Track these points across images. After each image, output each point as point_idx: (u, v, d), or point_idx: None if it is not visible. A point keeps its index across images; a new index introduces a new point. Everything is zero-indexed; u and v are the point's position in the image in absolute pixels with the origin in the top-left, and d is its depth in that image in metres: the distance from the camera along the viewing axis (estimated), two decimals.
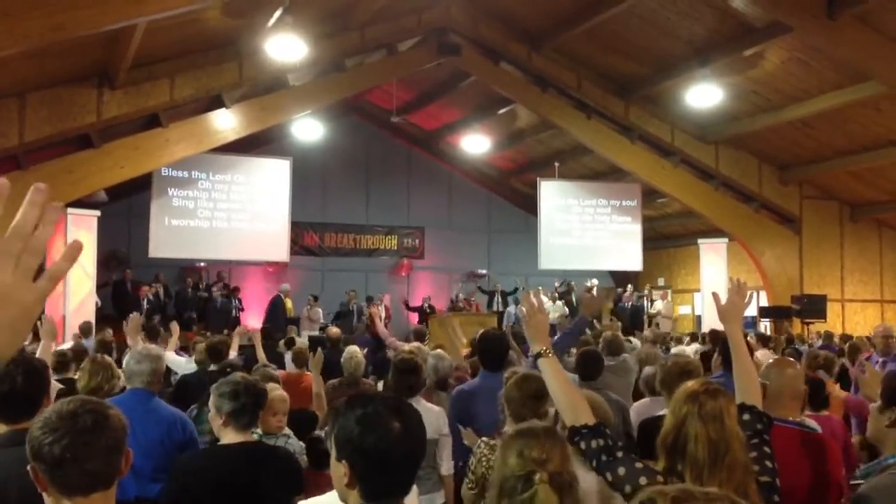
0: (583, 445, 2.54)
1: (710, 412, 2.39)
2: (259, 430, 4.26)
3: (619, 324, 15.66)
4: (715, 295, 3.02)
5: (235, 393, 3.48)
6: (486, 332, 5.55)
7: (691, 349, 10.96)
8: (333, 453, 1.90)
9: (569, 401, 2.67)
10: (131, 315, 5.05)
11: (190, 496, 3.33)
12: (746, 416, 2.65)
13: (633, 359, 7.48)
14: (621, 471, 2.42)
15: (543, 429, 2.41)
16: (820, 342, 12.51)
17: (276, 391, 4.41)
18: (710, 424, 2.36)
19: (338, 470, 1.88)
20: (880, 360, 7.35)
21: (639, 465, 2.46)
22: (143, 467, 3.77)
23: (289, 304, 17.65)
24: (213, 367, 7.03)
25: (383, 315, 17.78)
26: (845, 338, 12.32)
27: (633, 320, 18.05)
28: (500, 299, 19.82)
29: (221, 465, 3.38)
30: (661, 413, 4.34)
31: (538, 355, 2.78)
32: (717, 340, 9.69)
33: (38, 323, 4.86)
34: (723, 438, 2.35)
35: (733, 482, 2.31)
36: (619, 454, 2.48)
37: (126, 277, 16.45)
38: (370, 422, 1.84)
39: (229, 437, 3.48)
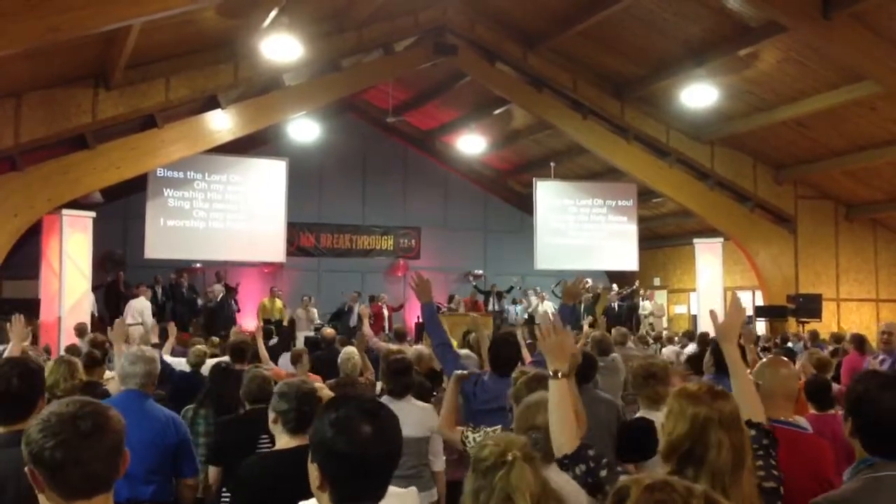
0: (570, 475, 2.53)
1: (729, 417, 2.36)
2: None
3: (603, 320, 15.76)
4: (712, 313, 2.98)
5: (287, 396, 3.51)
6: (498, 335, 5.51)
7: (687, 350, 10.98)
8: (310, 455, 1.91)
9: (560, 429, 2.64)
10: (117, 320, 5.02)
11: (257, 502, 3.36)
12: (752, 433, 2.63)
13: (621, 358, 7.54)
14: (607, 487, 2.41)
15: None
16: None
17: (323, 391, 4.39)
18: (732, 431, 2.33)
19: (312, 472, 1.89)
20: (882, 357, 7.39)
21: (623, 475, 2.45)
22: (136, 469, 3.75)
23: (279, 303, 17.64)
24: (236, 367, 7.05)
25: (386, 314, 17.81)
26: (836, 337, 12.35)
27: (623, 320, 18.06)
28: (495, 299, 19.82)
29: (282, 470, 3.37)
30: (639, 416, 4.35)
31: (553, 374, 2.73)
32: (707, 343, 9.74)
33: (8, 325, 4.86)
34: (742, 443, 2.34)
35: (748, 486, 2.31)
36: (603, 472, 2.48)
37: (119, 279, 16.40)
38: (342, 425, 1.83)
39: (283, 440, 3.52)
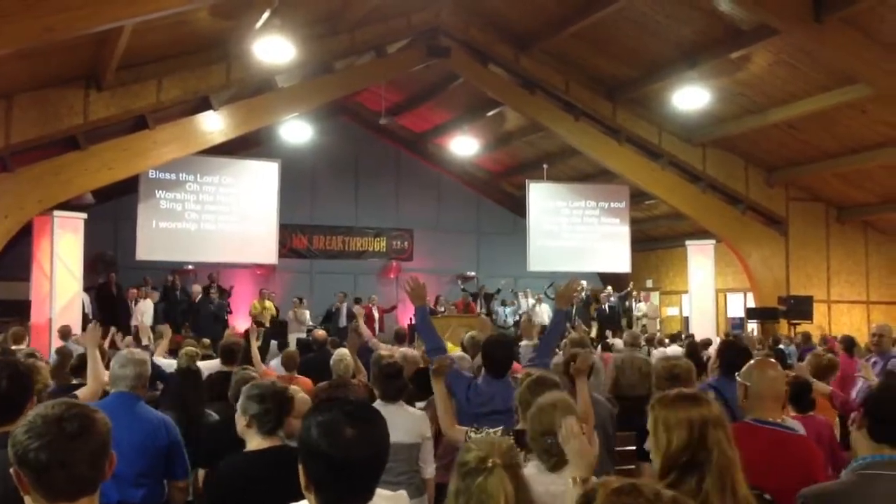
0: None
1: (720, 417, 2.37)
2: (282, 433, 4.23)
3: (590, 325, 15.78)
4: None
5: (262, 397, 3.50)
6: (491, 336, 5.51)
7: (670, 350, 10.97)
8: (298, 456, 1.93)
9: None
10: (89, 325, 4.99)
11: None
12: None
13: (599, 360, 7.55)
14: None
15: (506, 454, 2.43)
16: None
17: (299, 394, 4.39)
18: (726, 430, 2.35)
19: (300, 472, 1.91)
20: (874, 359, 7.44)
21: None
22: (126, 472, 3.75)
23: (270, 305, 17.62)
24: (225, 369, 7.03)
25: (377, 316, 17.78)
26: (825, 339, 12.40)
27: (612, 322, 18.11)
28: (483, 301, 19.78)
29: (257, 472, 3.37)
30: None
31: (574, 481, 2.65)
32: (695, 345, 9.75)
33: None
34: (731, 438, 2.36)
35: (744, 487, 2.32)
36: None
37: (110, 281, 16.34)
38: (325, 427, 1.85)
39: (255, 441, 3.49)
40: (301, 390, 4.52)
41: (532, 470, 3.07)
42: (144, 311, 15.40)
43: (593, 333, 17.38)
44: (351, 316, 17.98)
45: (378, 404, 4.58)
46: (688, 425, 2.35)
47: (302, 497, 1.94)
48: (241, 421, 3.54)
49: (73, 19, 8.80)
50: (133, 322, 14.88)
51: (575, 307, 19.59)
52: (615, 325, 17.95)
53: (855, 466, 2.61)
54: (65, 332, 11.31)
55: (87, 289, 15.13)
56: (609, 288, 20.14)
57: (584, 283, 16.89)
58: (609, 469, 4.54)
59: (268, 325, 16.47)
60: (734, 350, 5.33)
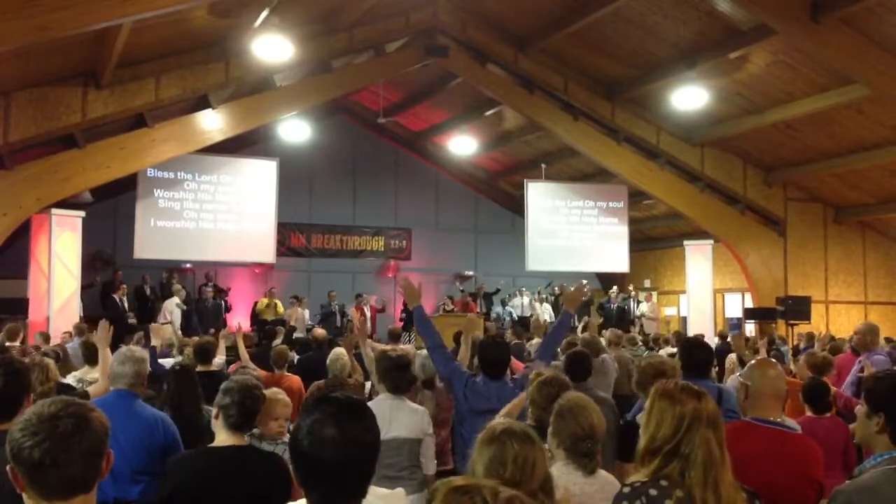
0: None
1: (713, 415, 2.40)
2: (256, 432, 4.21)
3: (599, 320, 15.71)
4: None
5: (231, 390, 3.53)
6: (486, 338, 5.52)
7: (663, 353, 10.93)
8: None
9: None
10: (101, 322, 4.99)
11: (179, 498, 3.35)
12: None
13: (610, 359, 7.56)
14: None
15: (521, 440, 2.41)
16: (802, 344, 12.60)
17: (278, 395, 4.38)
18: (716, 429, 2.38)
19: (293, 471, 1.92)
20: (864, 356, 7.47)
21: None
22: (123, 469, 3.76)
23: (279, 304, 17.62)
24: (200, 369, 7.03)
25: (369, 315, 17.75)
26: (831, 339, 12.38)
27: (619, 321, 18.08)
28: (482, 301, 19.77)
29: (209, 469, 3.38)
30: None
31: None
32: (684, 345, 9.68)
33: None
34: (723, 440, 2.39)
35: (731, 482, 2.33)
36: None
37: (116, 279, 16.31)
38: (309, 428, 1.85)
39: (221, 436, 3.51)
40: (282, 393, 4.49)
41: (561, 470, 3.09)
42: (172, 310, 15.34)
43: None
44: (343, 314, 18.03)
45: (384, 398, 4.61)
46: (678, 420, 2.40)
47: (255, 500, 1.94)
48: (213, 412, 3.59)
49: (68, 18, 8.77)
50: (160, 321, 14.85)
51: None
52: (622, 325, 17.90)
53: (881, 461, 2.63)
54: (80, 329, 11.26)
55: (87, 286, 15.12)
56: (615, 287, 20.13)
57: (586, 282, 16.71)
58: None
59: (293, 323, 16.42)
60: (692, 347, 5.31)
